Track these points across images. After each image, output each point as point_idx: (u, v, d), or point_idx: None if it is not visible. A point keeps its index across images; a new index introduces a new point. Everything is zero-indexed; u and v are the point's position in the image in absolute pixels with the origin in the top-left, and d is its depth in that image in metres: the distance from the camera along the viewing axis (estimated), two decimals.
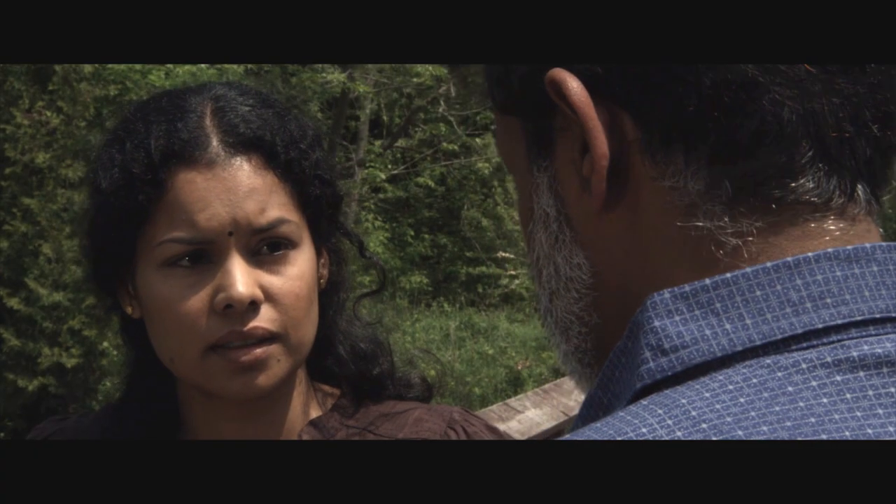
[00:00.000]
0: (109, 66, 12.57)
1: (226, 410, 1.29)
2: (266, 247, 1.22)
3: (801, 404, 0.55)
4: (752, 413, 0.55)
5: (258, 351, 1.20)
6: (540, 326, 12.91)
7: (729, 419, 0.55)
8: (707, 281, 0.60)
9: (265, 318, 1.20)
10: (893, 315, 0.59)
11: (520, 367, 12.02)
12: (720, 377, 0.57)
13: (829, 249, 0.59)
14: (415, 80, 15.09)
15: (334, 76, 13.52)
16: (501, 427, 5.87)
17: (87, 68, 11.51)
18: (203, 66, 13.97)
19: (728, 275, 0.60)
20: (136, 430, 1.30)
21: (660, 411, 0.56)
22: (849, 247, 0.60)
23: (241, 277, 1.19)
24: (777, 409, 0.55)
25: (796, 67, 0.59)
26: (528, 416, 5.95)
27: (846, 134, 0.60)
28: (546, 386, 6.78)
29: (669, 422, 0.56)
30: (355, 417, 1.35)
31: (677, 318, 0.60)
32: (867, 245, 0.60)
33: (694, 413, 0.56)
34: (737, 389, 0.56)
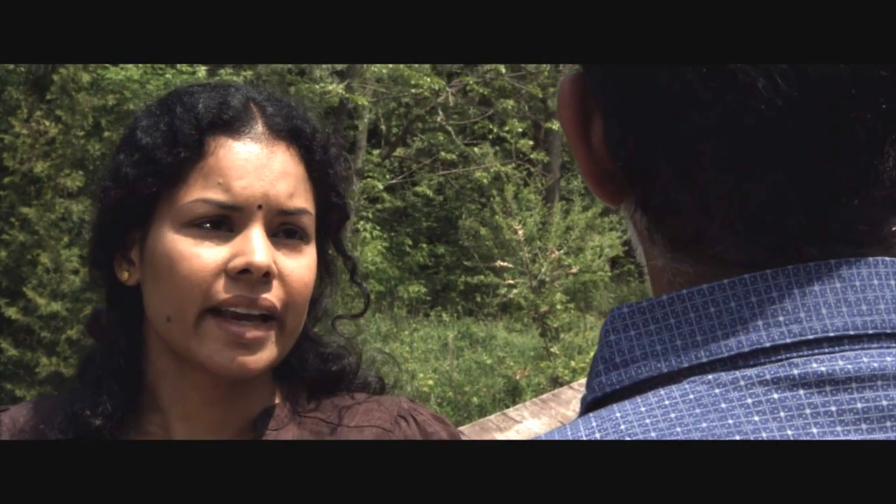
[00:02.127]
0: (108, 76, 12.57)
1: (195, 391, 1.31)
2: (283, 231, 1.28)
3: (731, 421, 0.55)
4: (678, 429, 0.55)
5: (256, 332, 1.24)
6: (538, 336, 12.90)
7: (653, 434, 0.55)
8: (664, 297, 0.61)
9: (273, 294, 1.25)
10: (850, 333, 0.58)
11: (518, 377, 12.01)
12: (661, 392, 0.57)
13: (789, 267, 0.59)
14: (413, 90, 15.10)
15: (332, 87, 13.52)
16: (500, 437, 5.86)
17: (86, 77, 11.51)
18: (201, 75, 13.97)
19: (684, 291, 0.60)
20: (102, 410, 1.30)
21: (594, 423, 0.57)
22: (811, 264, 0.59)
23: (262, 246, 1.24)
24: (704, 425, 0.55)
25: (706, 148, 0.58)
26: (526, 427, 5.94)
27: (766, 206, 0.58)
28: (544, 396, 6.78)
29: (598, 434, 0.57)
30: (308, 407, 1.39)
31: (632, 332, 0.61)
32: (832, 261, 0.59)
33: (623, 427, 0.56)
34: (672, 405, 0.56)
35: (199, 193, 1.24)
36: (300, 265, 1.28)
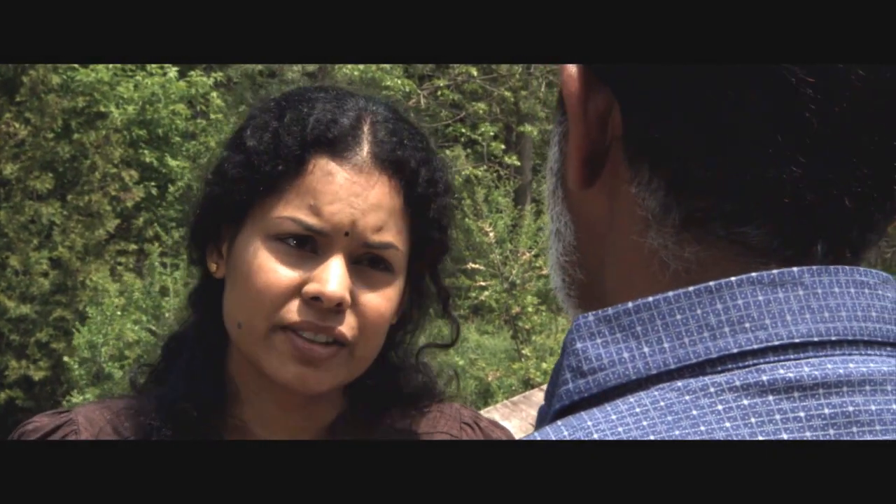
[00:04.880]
0: (78, 78, 12.50)
1: (270, 394, 1.31)
2: (367, 260, 1.27)
3: (703, 428, 0.55)
4: (651, 437, 0.55)
5: (325, 351, 1.24)
6: (510, 338, 12.91)
7: None
8: (629, 304, 0.61)
9: (345, 324, 1.24)
10: (815, 339, 0.58)
11: (490, 379, 12.01)
12: (631, 399, 0.58)
13: (753, 274, 0.59)
14: (384, 92, 15.09)
15: None
16: None
17: (55, 79, 11.46)
18: (172, 76, 13.92)
19: (650, 298, 0.60)
20: (199, 400, 1.30)
21: (565, 431, 0.57)
22: (773, 271, 0.59)
23: (338, 277, 1.23)
24: (677, 432, 0.55)
25: (770, 137, 0.59)
26: None
27: (806, 200, 0.59)
28: (515, 398, 6.78)
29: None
30: (377, 418, 1.38)
31: (598, 340, 0.61)
32: (794, 269, 0.59)
33: (596, 435, 0.56)
34: (643, 412, 0.57)
35: (290, 211, 1.24)
36: (378, 296, 1.27)
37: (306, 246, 1.25)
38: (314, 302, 1.23)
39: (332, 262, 1.24)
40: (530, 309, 12.42)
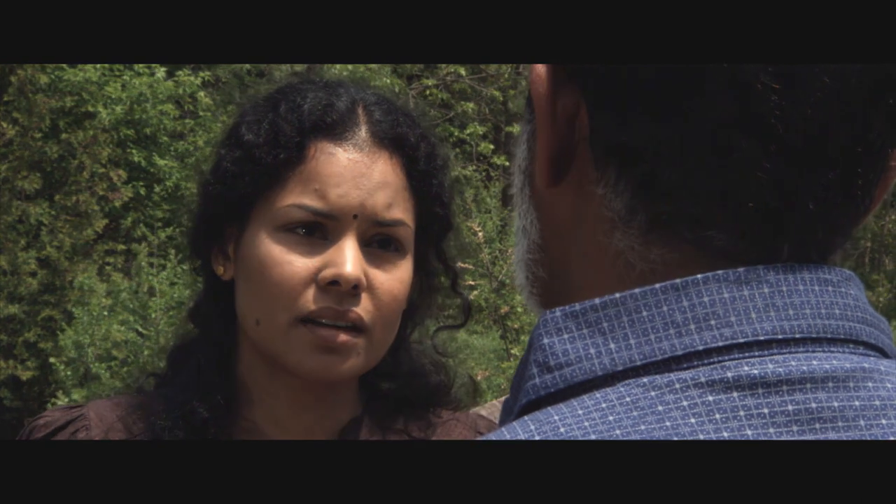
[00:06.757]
0: (66, 77, 12.46)
1: (284, 393, 1.30)
2: (378, 242, 1.27)
3: (668, 423, 0.56)
4: (617, 431, 0.56)
5: (346, 337, 1.23)
6: (498, 338, 12.92)
7: (593, 437, 0.56)
8: (597, 300, 0.61)
9: (361, 307, 1.24)
10: (779, 337, 0.59)
11: (479, 378, 12.01)
12: (597, 395, 0.58)
13: (719, 272, 0.60)
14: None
15: None
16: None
17: (43, 79, 11.42)
18: (159, 76, 13.89)
19: (617, 295, 0.61)
20: (210, 402, 1.29)
21: (532, 427, 0.58)
22: (739, 269, 0.60)
23: (353, 258, 1.23)
24: (642, 427, 0.56)
25: (735, 142, 0.59)
26: None
27: (771, 205, 0.60)
28: (504, 398, 6.80)
29: (537, 438, 0.57)
30: (392, 422, 1.38)
31: (565, 335, 0.61)
32: (759, 267, 0.60)
33: (562, 430, 0.57)
34: (609, 407, 0.57)
35: (296, 198, 1.24)
36: (392, 278, 1.27)
37: (316, 233, 1.25)
38: (331, 287, 1.23)
39: (345, 244, 1.24)
40: (519, 309, 12.41)
